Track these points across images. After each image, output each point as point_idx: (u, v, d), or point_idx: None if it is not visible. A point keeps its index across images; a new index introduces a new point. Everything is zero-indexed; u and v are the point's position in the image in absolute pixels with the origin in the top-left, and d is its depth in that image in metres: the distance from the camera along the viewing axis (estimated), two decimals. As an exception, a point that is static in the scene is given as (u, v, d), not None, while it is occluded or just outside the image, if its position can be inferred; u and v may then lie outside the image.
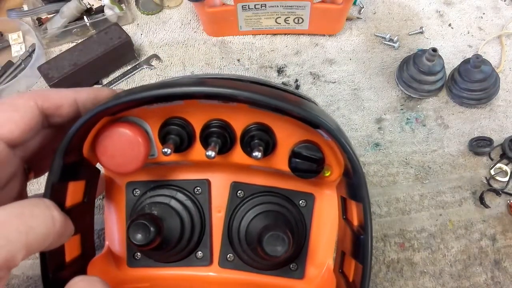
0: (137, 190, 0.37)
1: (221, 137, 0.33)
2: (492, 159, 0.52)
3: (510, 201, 0.48)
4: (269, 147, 0.33)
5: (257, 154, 0.31)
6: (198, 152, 0.34)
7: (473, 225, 0.48)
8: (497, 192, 0.49)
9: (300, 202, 0.38)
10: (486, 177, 0.50)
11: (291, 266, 0.38)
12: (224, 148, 0.34)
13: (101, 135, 0.31)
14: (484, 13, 0.63)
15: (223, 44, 0.60)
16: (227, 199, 0.37)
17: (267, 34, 0.61)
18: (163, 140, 0.33)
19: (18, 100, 0.27)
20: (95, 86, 0.57)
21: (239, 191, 0.37)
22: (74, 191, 0.31)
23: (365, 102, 0.55)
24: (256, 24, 0.58)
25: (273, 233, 0.31)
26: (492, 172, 0.50)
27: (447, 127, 0.54)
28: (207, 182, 0.37)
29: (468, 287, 0.44)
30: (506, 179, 0.50)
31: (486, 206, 0.48)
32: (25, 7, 0.60)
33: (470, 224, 0.48)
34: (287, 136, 0.34)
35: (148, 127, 0.34)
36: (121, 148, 0.31)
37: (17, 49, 0.59)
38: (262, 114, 0.33)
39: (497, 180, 0.50)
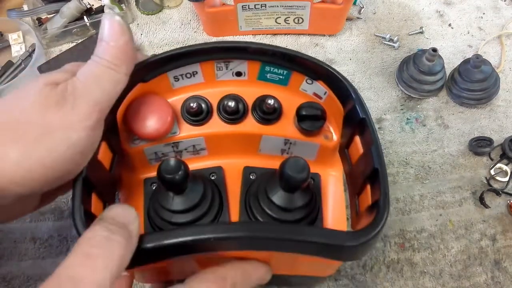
0: (154, 184, 0.40)
1: (236, 104, 0.37)
2: (492, 159, 0.52)
3: (510, 201, 0.48)
4: (277, 110, 0.38)
5: (270, 101, 0.36)
6: (216, 123, 0.38)
7: (473, 225, 0.48)
8: (497, 192, 0.49)
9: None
10: (486, 177, 0.50)
11: None
12: (238, 115, 0.38)
13: (134, 101, 0.35)
14: (484, 13, 0.63)
15: (223, 44, 0.60)
16: (241, 181, 0.40)
17: (267, 34, 0.61)
18: (186, 111, 0.38)
19: None
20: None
21: (251, 173, 0.40)
22: (104, 155, 0.33)
23: (365, 102, 0.55)
24: (256, 24, 0.58)
25: (292, 158, 0.32)
26: (492, 172, 0.50)
27: (447, 127, 0.54)
28: (222, 169, 0.40)
29: (468, 287, 0.44)
30: (506, 179, 0.50)
31: (486, 206, 0.48)
32: (25, 7, 0.60)
33: (470, 224, 0.48)
34: (292, 104, 0.38)
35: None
36: (151, 112, 0.35)
37: (17, 49, 0.59)
38: (269, 87, 0.38)
39: (497, 180, 0.50)
